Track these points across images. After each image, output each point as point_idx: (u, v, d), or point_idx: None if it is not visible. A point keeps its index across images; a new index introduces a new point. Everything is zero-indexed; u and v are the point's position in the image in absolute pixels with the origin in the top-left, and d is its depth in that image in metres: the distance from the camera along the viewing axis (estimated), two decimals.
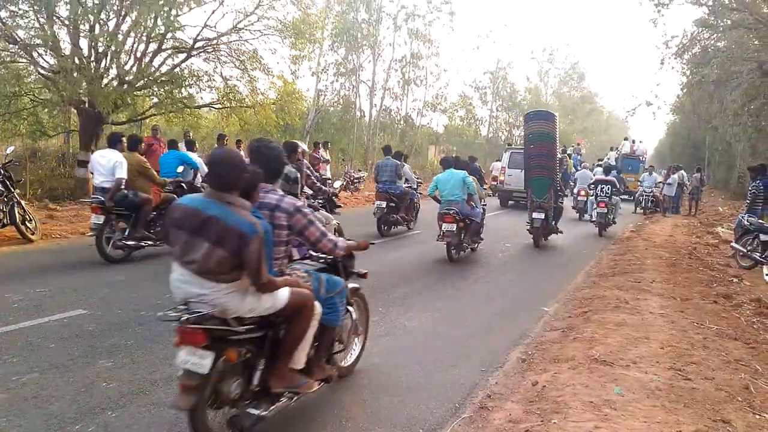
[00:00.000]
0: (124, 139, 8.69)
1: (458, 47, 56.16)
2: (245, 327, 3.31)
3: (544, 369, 5.01)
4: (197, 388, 3.09)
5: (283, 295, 3.47)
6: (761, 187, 11.38)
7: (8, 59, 13.94)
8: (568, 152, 22.32)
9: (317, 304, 3.78)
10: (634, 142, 29.31)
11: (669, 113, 33.88)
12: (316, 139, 21.28)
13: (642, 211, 21.93)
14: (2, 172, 9.28)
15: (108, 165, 8.21)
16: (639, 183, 23.21)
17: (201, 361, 3.08)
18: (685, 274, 9.53)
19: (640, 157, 28.03)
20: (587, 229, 15.92)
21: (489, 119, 45.38)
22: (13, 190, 9.22)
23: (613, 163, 24.84)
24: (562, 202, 13.60)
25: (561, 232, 13.23)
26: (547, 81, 52.56)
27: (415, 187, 13.50)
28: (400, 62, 32.99)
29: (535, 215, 12.17)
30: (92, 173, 8.76)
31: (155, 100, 15.81)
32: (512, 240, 13.01)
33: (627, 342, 5.59)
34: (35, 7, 12.80)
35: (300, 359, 3.67)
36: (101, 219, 8.08)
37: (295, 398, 3.76)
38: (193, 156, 10.92)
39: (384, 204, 12.10)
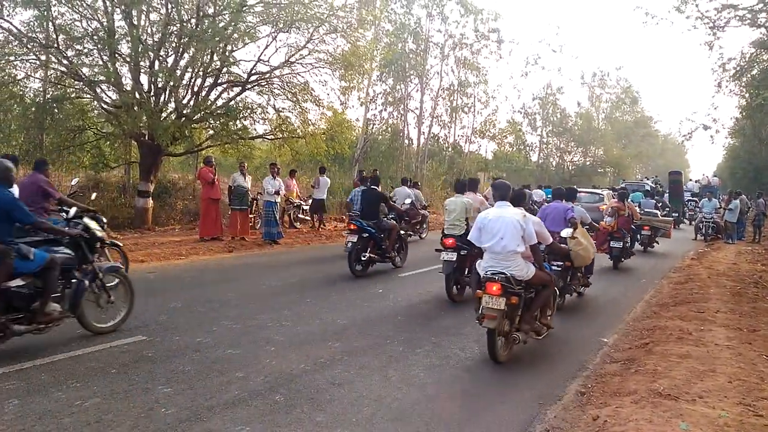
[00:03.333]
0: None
1: (506, 74, 56.05)
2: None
3: (604, 403, 4.83)
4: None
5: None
6: None
7: (74, 95, 14.70)
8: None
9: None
10: (708, 176, 37.69)
11: (728, 137, 33.02)
12: (363, 167, 21.48)
13: (702, 237, 21.15)
14: None
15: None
16: (699, 209, 22.51)
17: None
18: (751, 304, 9.09)
19: (715, 187, 33.75)
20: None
21: (539, 145, 44.97)
22: None
23: (697, 191, 32.70)
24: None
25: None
26: (599, 106, 51.77)
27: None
28: (447, 90, 33.17)
29: (673, 214, 22.80)
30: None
31: (211, 132, 16.33)
32: None
33: (692, 375, 5.36)
34: (99, 46, 13.49)
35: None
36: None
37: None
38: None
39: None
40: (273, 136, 17.20)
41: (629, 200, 14.59)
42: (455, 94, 33.46)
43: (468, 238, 6.67)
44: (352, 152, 25.92)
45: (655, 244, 16.91)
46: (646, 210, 17.47)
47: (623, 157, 48.69)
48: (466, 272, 8.85)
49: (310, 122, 17.17)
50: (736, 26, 13.58)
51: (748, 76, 17.14)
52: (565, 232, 7.81)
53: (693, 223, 25.69)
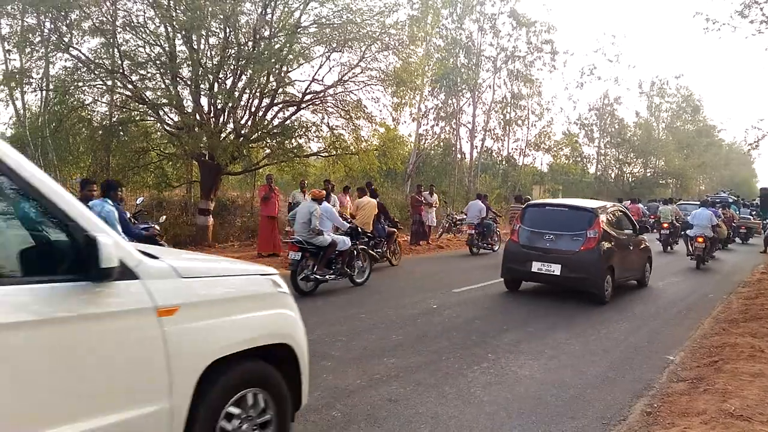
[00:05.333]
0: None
1: (561, 85, 55.40)
2: None
3: (672, 423, 4.63)
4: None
5: None
6: None
7: (138, 118, 15.34)
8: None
9: None
10: None
11: None
12: (420, 182, 21.46)
13: None
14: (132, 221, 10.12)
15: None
16: (766, 222, 21.61)
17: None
18: None
19: None
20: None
21: (597, 157, 43.95)
22: None
23: None
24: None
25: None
26: (659, 115, 50.26)
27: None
28: (500, 103, 32.91)
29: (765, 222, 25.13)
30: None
31: (268, 150, 16.70)
32: (627, 282, 12.36)
33: (765, 395, 5.09)
34: (161, 70, 14.04)
35: None
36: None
37: None
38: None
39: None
40: (327, 154, 17.44)
41: (729, 209, 23.77)
42: (508, 107, 33.15)
43: (688, 220, 16.81)
44: (404, 167, 25.98)
45: (751, 238, 25.96)
46: (742, 216, 26.74)
47: (685, 167, 46.99)
48: (670, 240, 20.04)
49: (362, 139, 17.34)
50: None
51: None
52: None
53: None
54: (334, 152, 17.09)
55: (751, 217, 27.66)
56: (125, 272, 2.54)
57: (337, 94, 16.30)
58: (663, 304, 10.44)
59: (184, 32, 13.59)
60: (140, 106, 14.70)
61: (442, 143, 31.92)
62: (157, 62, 13.98)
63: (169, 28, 13.88)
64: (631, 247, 11.30)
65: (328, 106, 16.43)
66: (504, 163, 35.52)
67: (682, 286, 12.75)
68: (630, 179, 45.23)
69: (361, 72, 15.94)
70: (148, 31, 13.95)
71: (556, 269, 9.82)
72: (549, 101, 36.12)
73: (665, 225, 19.86)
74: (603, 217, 10.22)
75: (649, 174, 46.51)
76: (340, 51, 15.38)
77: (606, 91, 42.06)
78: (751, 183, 78.08)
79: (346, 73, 15.84)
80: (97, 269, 2.35)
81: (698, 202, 22.47)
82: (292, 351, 3.50)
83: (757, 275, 14.40)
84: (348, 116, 16.55)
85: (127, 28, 13.86)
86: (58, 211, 2.41)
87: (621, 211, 11.88)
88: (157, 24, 13.96)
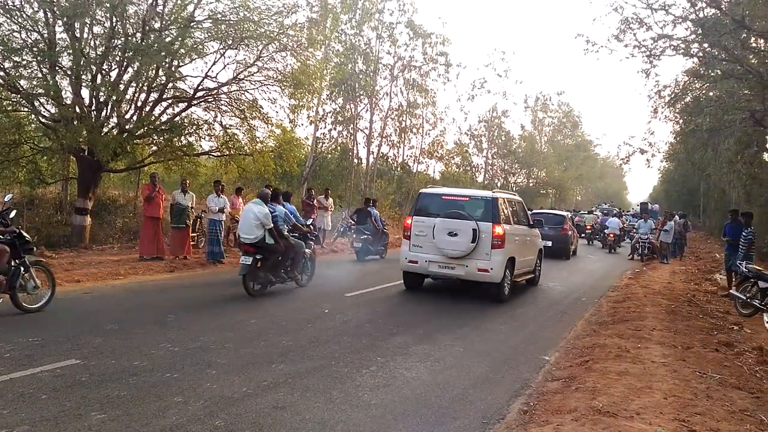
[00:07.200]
0: None
1: (454, 96, 57.33)
2: None
3: (546, 421, 4.90)
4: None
5: None
6: (752, 234, 12.24)
7: (10, 108, 14.10)
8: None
9: None
10: (648, 203, 46.74)
11: (663, 161, 34.62)
12: (312, 186, 21.35)
13: (639, 257, 21.96)
14: None
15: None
16: (635, 230, 23.51)
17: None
18: (685, 322, 9.46)
19: (655, 212, 41.06)
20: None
21: (485, 166, 45.84)
22: None
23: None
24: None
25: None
26: (542, 129, 53.31)
27: None
28: (396, 111, 33.50)
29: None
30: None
31: (154, 148, 15.93)
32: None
33: (630, 392, 5.51)
34: (38, 58, 13.04)
35: None
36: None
37: None
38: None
39: None
40: (219, 153, 16.93)
41: (622, 218, 31.50)
42: (404, 115, 33.81)
43: (605, 224, 28.91)
44: (300, 170, 25.78)
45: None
46: (630, 223, 31.24)
47: (564, 179, 50.18)
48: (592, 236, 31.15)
49: (258, 140, 16.98)
50: (671, 55, 14.09)
51: (682, 102, 17.88)
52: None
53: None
54: (227, 152, 16.62)
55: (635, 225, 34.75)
56: (533, 225, 13.23)
57: (231, 92, 15.89)
58: (542, 308, 11.07)
59: (65, 19, 12.71)
60: (13, 95, 13.54)
61: (339, 147, 31.96)
62: (34, 49, 12.95)
63: (49, 14, 12.95)
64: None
65: (222, 104, 15.98)
66: (399, 169, 36.17)
67: (560, 289, 13.57)
68: (514, 188, 47.55)
69: (258, 71, 15.65)
70: (24, 16, 12.91)
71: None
72: (442, 111, 37.35)
73: (588, 227, 30.27)
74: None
75: (531, 184, 49.15)
76: (236, 48, 15.01)
77: (495, 104, 44.06)
78: (622, 195, 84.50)
79: (241, 72, 15.47)
80: (530, 225, 12.97)
81: (605, 213, 32.67)
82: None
83: (624, 281, 15.59)
84: (243, 116, 16.16)
85: (1, 11, 12.75)
86: (528, 218, 13.22)
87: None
88: (36, 8, 12.98)
